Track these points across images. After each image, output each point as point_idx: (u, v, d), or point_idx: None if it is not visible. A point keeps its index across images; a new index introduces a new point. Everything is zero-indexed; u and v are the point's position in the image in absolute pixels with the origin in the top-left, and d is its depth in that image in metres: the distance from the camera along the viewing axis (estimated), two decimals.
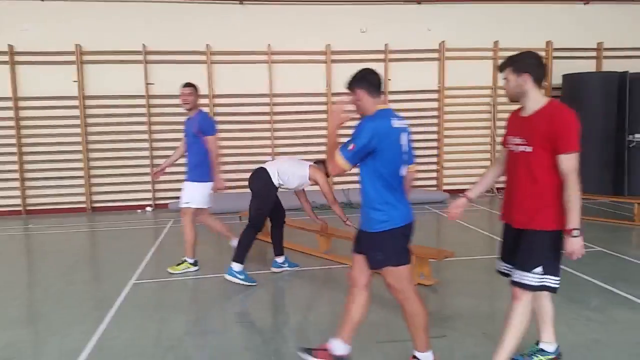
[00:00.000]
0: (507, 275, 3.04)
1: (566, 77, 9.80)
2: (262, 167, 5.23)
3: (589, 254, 5.65)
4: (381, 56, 9.85)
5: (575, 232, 2.64)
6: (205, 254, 6.19)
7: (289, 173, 5.19)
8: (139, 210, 9.41)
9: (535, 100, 2.76)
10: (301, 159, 5.69)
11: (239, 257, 4.97)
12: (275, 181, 5.12)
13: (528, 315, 2.89)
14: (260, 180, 5.11)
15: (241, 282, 4.92)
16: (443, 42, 9.91)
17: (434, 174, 10.35)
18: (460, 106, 10.22)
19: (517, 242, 2.86)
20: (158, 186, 9.56)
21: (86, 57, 9.14)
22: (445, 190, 10.07)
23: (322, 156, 5.72)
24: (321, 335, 3.60)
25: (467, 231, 7.16)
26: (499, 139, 10.28)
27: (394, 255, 2.91)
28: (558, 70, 10.15)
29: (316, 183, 5.28)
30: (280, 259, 5.40)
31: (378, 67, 9.75)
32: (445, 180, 10.34)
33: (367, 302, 3.14)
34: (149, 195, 9.55)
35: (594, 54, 10.39)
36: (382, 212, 2.86)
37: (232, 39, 9.42)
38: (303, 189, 5.58)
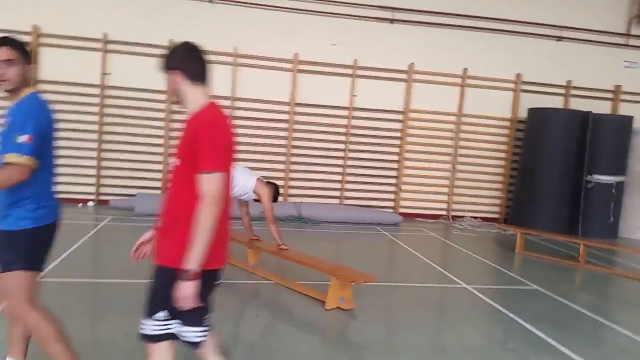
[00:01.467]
0: None
1: (532, 111, 9.74)
2: None
3: (522, 292, 5.51)
4: (349, 71, 9.67)
5: (185, 275, 2.06)
6: (124, 257, 5.87)
7: (238, 180, 4.99)
8: (80, 205, 8.99)
9: (194, 101, 2.24)
10: (247, 168, 5.52)
11: None
12: None
13: None
14: None
15: None
16: (412, 63, 9.79)
17: (392, 196, 10.16)
18: (424, 130, 10.08)
19: None
20: (102, 181, 9.18)
21: (43, 40, 8.77)
22: (401, 214, 9.88)
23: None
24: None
25: (409, 256, 6.93)
26: (460, 167, 10.16)
27: (28, 257, 2.55)
28: (525, 104, 10.10)
29: (259, 198, 5.14)
30: None
31: (345, 82, 9.69)
32: (403, 203, 10.15)
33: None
34: (92, 189, 9.14)
35: (562, 90, 10.38)
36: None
37: (198, 37, 9.11)
38: (247, 200, 5.39)
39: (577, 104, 10.20)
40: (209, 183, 2.09)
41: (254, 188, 5.14)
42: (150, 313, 2.19)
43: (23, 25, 8.58)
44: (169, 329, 2.19)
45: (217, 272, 2.28)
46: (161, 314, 2.17)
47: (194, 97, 2.26)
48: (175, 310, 2.14)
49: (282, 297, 4.77)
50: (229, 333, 3.82)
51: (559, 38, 10.30)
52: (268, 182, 5.30)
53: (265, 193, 5.11)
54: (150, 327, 2.19)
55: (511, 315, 4.66)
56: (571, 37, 10.31)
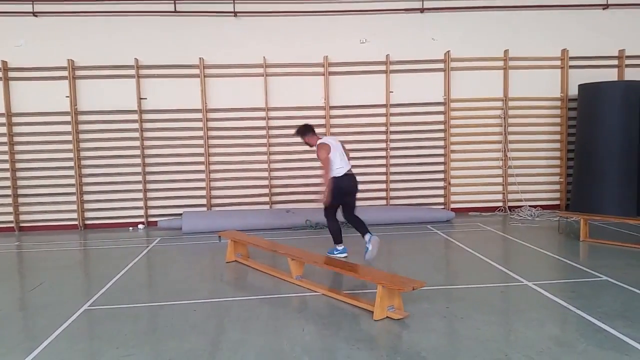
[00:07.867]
0: None
1: (583, 87, 9.10)
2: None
3: (591, 285, 5.04)
4: (382, 67, 9.37)
5: None
6: (173, 279, 5.84)
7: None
8: (131, 228, 9.14)
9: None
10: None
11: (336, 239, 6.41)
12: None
13: None
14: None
15: (340, 255, 6.33)
16: (448, 51, 9.38)
17: (441, 191, 9.74)
18: (468, 119, 9.62)
19: None
20: (150, 203, 9.31)
21: (79, 72, 9.00)
22: (452, 209, 9.46)
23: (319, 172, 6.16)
24: None
25: (463, 254, 6.55)
26: (511, 154, 9.63)
27: None
28: (575, 80, 9.46)
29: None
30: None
31: (379, 79, 9.39)
32: (454, 198, 9.72)
33: None
34: (141, 212, 9.28)
35: (614, 62, 9.65)
36: None
37: (227, 52, 9.14)
38: None
39: (633, 74, 9.47)
40: None
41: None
42: None
43: (59, 61, 8.87)
44: None
45: None
46: None
47: None
48: None
49: (329, 309, 4.55)
50: (272, 351, 3.64)
51: (605, 6, 9.59)
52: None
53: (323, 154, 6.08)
54: None
55: (579, 312, 4.24)
56: (618, 2, 9.58)
